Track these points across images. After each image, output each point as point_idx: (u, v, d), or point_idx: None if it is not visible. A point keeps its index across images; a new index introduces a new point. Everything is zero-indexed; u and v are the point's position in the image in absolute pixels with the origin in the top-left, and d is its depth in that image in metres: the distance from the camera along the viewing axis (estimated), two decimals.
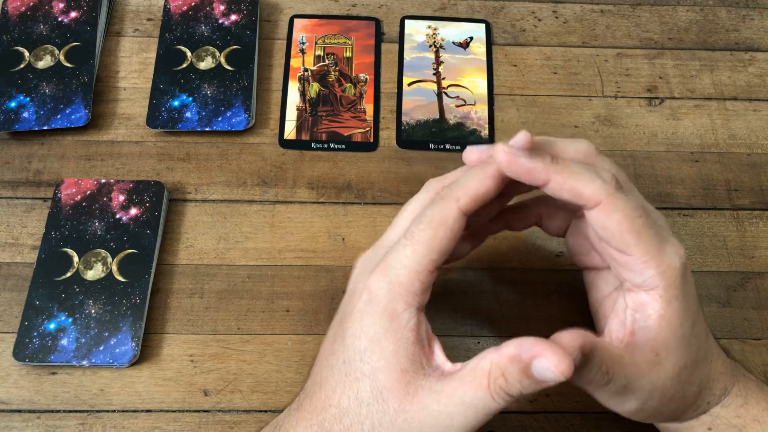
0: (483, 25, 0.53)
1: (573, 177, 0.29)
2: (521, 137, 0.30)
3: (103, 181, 0.45)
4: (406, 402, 0.28)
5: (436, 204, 0.30)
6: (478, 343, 0.42)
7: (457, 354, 0.41)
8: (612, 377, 0.28)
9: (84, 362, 0.40)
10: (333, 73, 0.51)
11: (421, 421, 0.28)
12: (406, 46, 0.52)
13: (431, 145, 0.48)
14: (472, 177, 0.30)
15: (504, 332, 0.42)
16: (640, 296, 0.31)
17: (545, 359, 0.25)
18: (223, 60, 0.50)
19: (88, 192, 0.45)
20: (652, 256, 0.29)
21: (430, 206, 0.30)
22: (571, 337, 0.26)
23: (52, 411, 0.39)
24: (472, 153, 0.32)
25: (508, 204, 0.37)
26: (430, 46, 0.52)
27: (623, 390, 0.29)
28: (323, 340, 0.32)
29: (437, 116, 0.49)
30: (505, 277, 0.44)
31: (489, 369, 0.27)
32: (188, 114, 0.48)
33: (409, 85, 0.51)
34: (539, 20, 0.54)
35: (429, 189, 0.33)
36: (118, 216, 0.44)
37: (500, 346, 0.27)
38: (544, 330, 0.42)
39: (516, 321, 0.42)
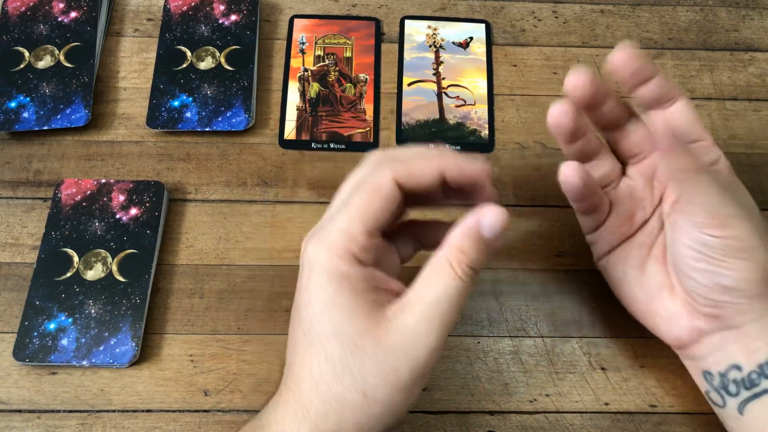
0: (483, 25, 0.53)
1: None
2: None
3: (103, 181, 0.45)
4: (381, 334, 0.29)
5: (374, 172, 0.31)
6: (478, 343, 0.42)
7: (458, 354, 0.41)
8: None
9: (84, 362, 0.40)
10: (333, 73, 0.51)
11: (403, 340, 0.29)
12: (406, 46, 0.52)
13: (431, 146, 0.48)
14: (414, 154, 0.32)
15: (504, 332, 0.42)
16: None
17: (488, 214, 0.30)
18: (223, 60, 0.50)
19: (88, 192, 0.45)
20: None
21: (368, 175, 0.32)
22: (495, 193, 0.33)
23: (52, 411, 0.39)
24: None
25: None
26: (430, 46, 0.52)
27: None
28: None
29: (437, 116, 0.49)
30: (505, 277, 0.44)
31: (446, 258, 0.30)
32: (188, 114, 0.48)
33: (409, 85, 0.51)
34: (539, 20, 0.54)
35: (368, 161, 0.33)
36: (118, 216, 0.44)
37: (442, 244, 0.31)
38: (545, 330, 0.42)
39: (516, 321, 0.42)
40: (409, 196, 0.32)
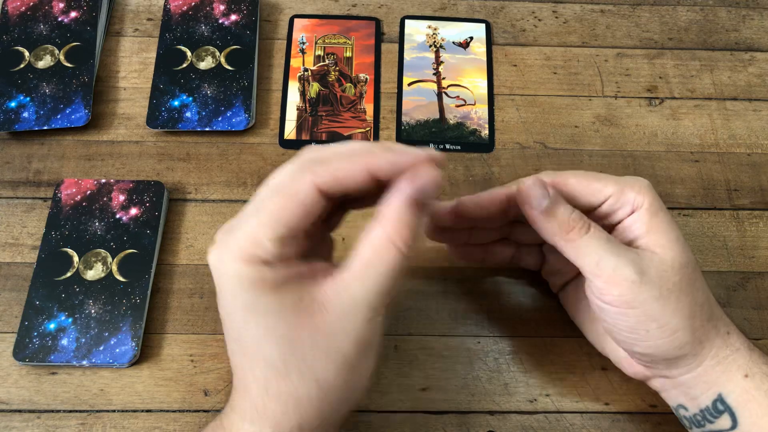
0: (483, 25, 0.53)
1: (521, 185, 0.34)
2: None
3: (103, 181, 0.45)
4: (318, 321, 0.28)
5: (293, 177, 0.29)
6: (478, 343, 0.42)
7: (458, 354, 0.41)
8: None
9: (84, 362, 0.40)
10: (333, 73, 0.51)
11: (342, 320, 0.28)
12: (406, 46, 0.52)
13: (431, 145, 0.48)
14: (340, 158, 0.29)
15: (504, 332, 0.42)
16: (628, 222, 0.34)
17: (423, 177, 0.28)
18: (223, 60, 0.50)
19: (88, 192, 0.45)
20: (624, 185, 0.33)
21: (288, 180, 0.29)
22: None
23: (52, 411, 0.39)
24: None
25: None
26: (430, 46, 0.52)
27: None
28: None
29: (437, 116, 0.49)
30: (506, 277, 0.44)
31: (388, 236, 0.28)
32: (188, 114, 0.48)
33: (409, 85, 0.51)
34: (539, 20, 0.54)
35: (291, 164, 0.30)
36: (118, 216, 0.44)
37: (376, 218, 0.28)
38: (545, 330, 0.42)
39: (516, 321, 0.42)
40: (350, 199, 0.31)
